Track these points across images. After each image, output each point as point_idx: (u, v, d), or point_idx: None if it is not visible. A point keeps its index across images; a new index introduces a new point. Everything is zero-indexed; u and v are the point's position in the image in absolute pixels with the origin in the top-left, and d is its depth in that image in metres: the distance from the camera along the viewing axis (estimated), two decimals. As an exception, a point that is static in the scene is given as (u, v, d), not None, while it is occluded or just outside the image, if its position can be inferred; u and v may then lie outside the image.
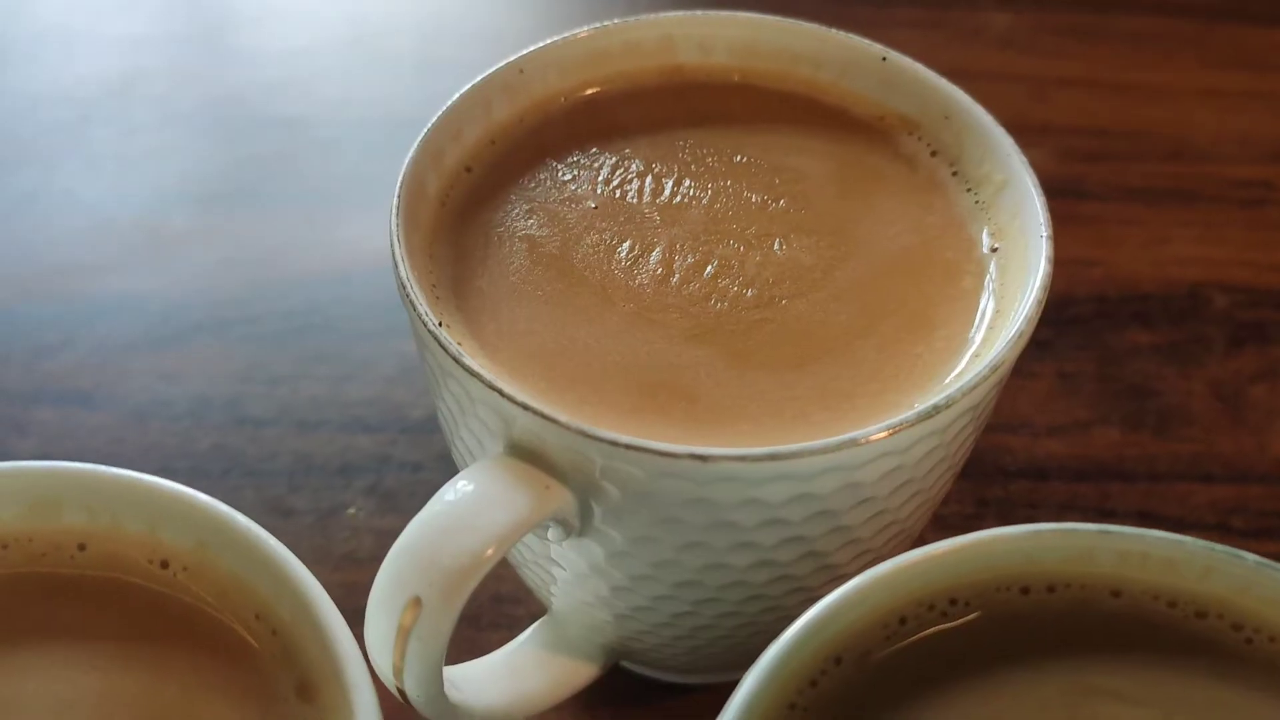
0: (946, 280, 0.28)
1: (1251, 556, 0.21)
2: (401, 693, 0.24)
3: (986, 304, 0.27)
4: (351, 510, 0.39)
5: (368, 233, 0.48)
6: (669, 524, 0.24)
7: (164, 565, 0.22)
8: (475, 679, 0.28)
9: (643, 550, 0.25)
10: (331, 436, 0.41)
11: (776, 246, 0.28)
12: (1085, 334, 0.45)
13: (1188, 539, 0.21)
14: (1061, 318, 0.45)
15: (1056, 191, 0.47)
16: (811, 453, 0.22)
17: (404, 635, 0.23)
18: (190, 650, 0.21)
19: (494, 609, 0.37)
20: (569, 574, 0.28)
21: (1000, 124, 0.30)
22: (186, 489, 0.22)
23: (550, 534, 0.25)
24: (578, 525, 0.25)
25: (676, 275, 0.27)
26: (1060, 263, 0.48)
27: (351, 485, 0.40)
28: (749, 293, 0.27)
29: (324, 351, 0.44)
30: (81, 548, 0.22)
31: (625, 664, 0.34)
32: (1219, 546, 0.21)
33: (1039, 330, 0.45)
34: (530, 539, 0.27)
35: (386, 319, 0.45)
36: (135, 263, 0.47)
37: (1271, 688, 0.21)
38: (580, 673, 0.31)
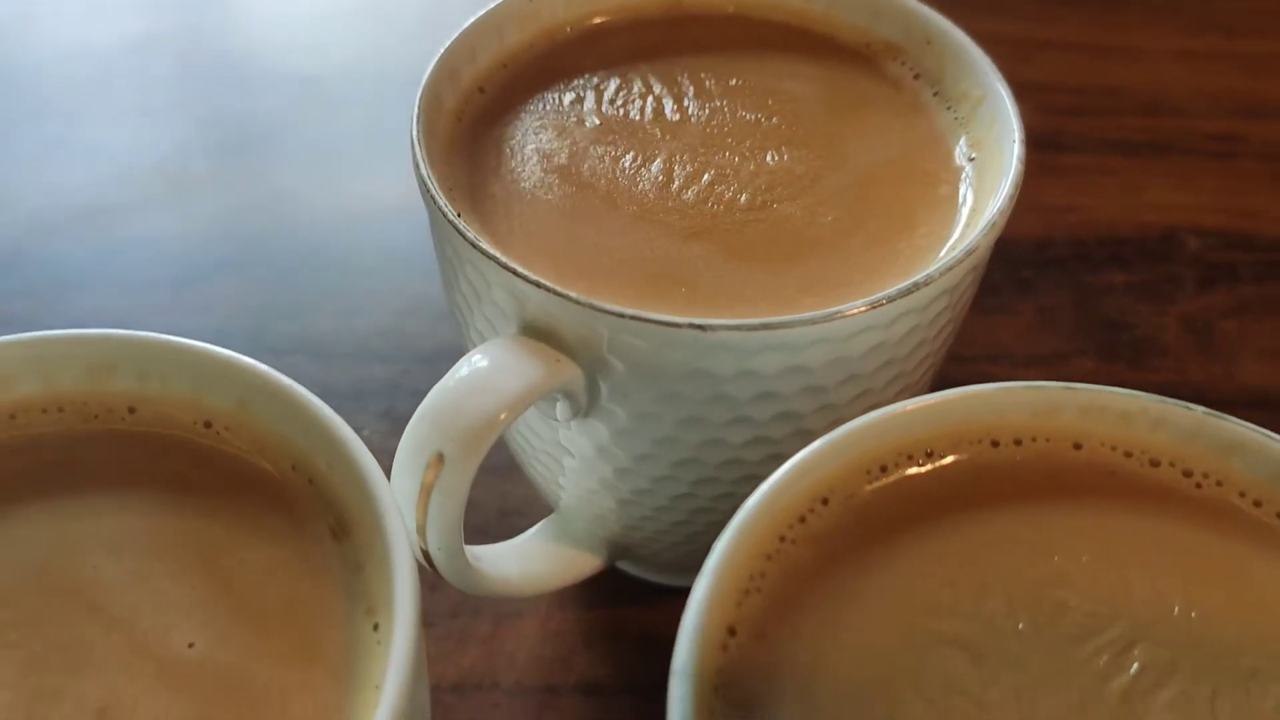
0: (926, 187, 0.30)
1: (1199, 408, 0.23)
2: (426, 555, 0.26)
3: (963, 206, 0.29)
4: (365, 433, 0.41)
5: (375, 180, 0.50)
6: (670, 399, 0.26)
7: (207, 425, 0.24)
8: (488, 556, 0.30)
9: (645, 427, 0.27)
10: (346, 365, 0.43)
11: (769, 158, 0.30)
12: (1063, 273, 0.47)
13: (1142, 394, 0.23)
14: (1041, 259, 0.47)
15: (1037, 144, 0.50)
16: (801, 323, 0.24)
17: (426, 493, 0.25)
18: (233, 498, 0.23)
19: (501, 522, 0.39)
20: (576, 461, 0.30)
21: None
22: (229, 351, 0.24)
23: (559, 413, 0.27)
24: (584, 403, 0.27)
25: (676, 182, 0.29)
26: (1040, 209, 0.51)
27: (366, 410, 0.42)
28: (743, 197, 0.29)
29: (335, 288, 0.46)
30: (131, 410, 0.24)
31: (623, 566, 0.36)
32: (1170, 400, 0.23)
33: (1020, 270, 0.47)
34: (540, 426, 0.29)
35: (393, 259, 0.47)
36: (156, 206, 0.49)
37: (1216, 526, 0.23)
38: (584, 563, 0.33)
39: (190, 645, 0.21)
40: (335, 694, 0.21)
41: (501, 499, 0.39)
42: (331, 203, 0.49)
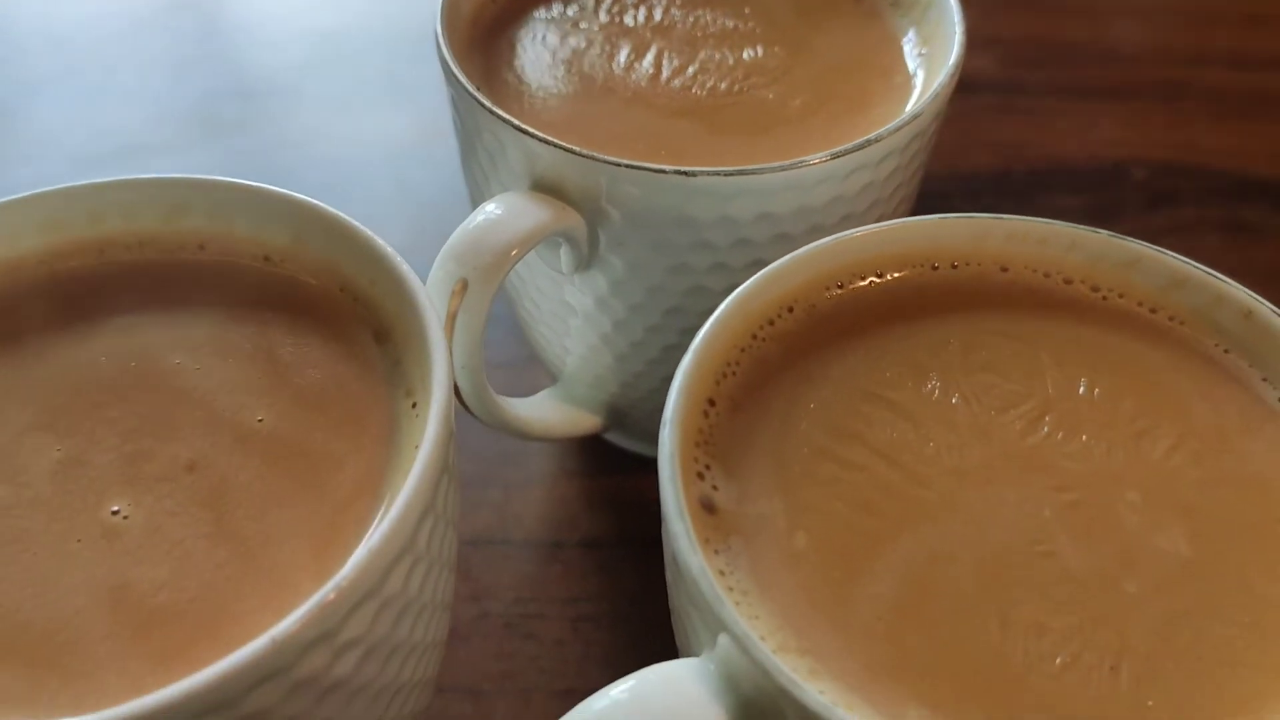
0: (882, 77, 0.34)
1: (1105, 232, 0.27)
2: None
3: (914, 90, 0.33)
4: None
5: (390, 122, 0.54)
6: (659, 246, 0.30)
7: (266, 259, 0.28)
8: (505, 403, 0.34)
9: (638, 276, 0.31)
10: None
11: (745, 54, 0.34)
12: (1020, 200, 0.51)
13: (1058, 221, 0.27)
14: (1000, 188, 0.52)
15: (1000, 90, 0.54)
16: (770, 170, 0.29)
17: (452, 318, 0.29)
18: (289, 314, 0.27)
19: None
20: (579, 318, 0.34)
21: None
22: (286, 191, 0.28)
23: (564, 264, 0.32)
24: (586, 252, 0.31)
25: (665, 73, 0.34)
26: (1001, 145, 0.55)
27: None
28: (722, 85, 0.33)
29: (354, 216, 0.50)
30: (201, 247, 0.28)
31: (618, 440, 0.40)
32: (1082, 226, 0.27)
33: (981, 198, 0.51)
34: (547, 286, 0.34)
35: (406, 189, 0.51)
36: (190, 145, 0.53)
37: (1119, 329, 0.27)
38: (585, 421, 0.37)
39: (260, 420, 0.25)
40: (382, 456, 0.25)
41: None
42: (350, 141, 0.53)
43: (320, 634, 0.21)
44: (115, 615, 0.22)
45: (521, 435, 0.35)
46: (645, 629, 0.33)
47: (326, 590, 0.20)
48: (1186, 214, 0.50)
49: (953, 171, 0.51)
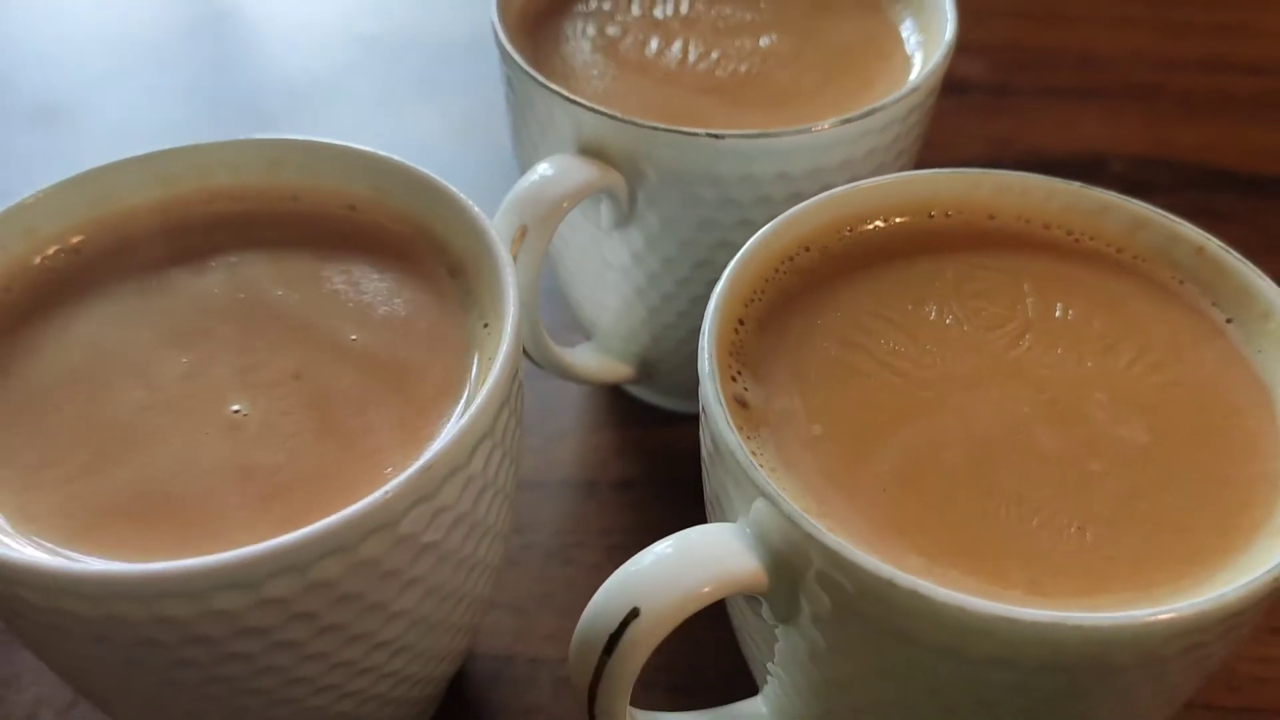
0: (884, 60, 0.38)
1: (1076, 184, 0.31)
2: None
3: (911, 70, 0.38)
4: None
5: (424, 120, 0.59)
6: (690, 202, 0.34)
7: (351, 208, 0.32)
8: (555, 347, 0.38)
9: (671, 231, 0.35)
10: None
11: (761, 41, 0.39)
12: (1008, 188, 0.55)
13: (1039, 175, 0.32)
14: (990, 178, 0.56)
15: (989, 90, 0.59)
16: (788, 133, 0.33)
17: (513, 259, 0.33)
18: (373, 255, 0.31)
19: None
20: (616, 272, 0.38)
21: None
22: (369, 148, 0.32)
23: (604, 220, 0.36)
24: (626, 208, 0.35)
25: (692, 58, 0.38)
26: (990, 140, 0.59)
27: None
28: (743, 68, 0.38)
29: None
30: (295, 198, 0.32)
31: (646, 395, 0.44)
32: (1058, 179, 0.32)
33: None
34: (588, 245, 0.38)
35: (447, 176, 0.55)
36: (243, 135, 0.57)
37: (1090, 266, 0.31)
38: (620, 370, 0.41)
39: (353, 339, 0.29)
40: (459, 366, 0.29)
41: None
42: (389, 135, 0.58)
43: (420, 496, 0.25)
44: (242, 490, 0.26)
45: (564, 373, 0.39)
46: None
47: (426, 459, 0.25)
48: (1159, 201, 0.54)
49: (948, 162, 0.55)
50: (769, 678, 0.31)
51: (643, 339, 0.40)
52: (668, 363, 0.41)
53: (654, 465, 0.43)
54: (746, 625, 0.29)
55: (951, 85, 0.59)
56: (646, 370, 0.41)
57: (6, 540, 0.24)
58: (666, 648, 0.37)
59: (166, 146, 0.32)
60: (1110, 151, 0.57)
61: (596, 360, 0.41)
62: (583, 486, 0.43)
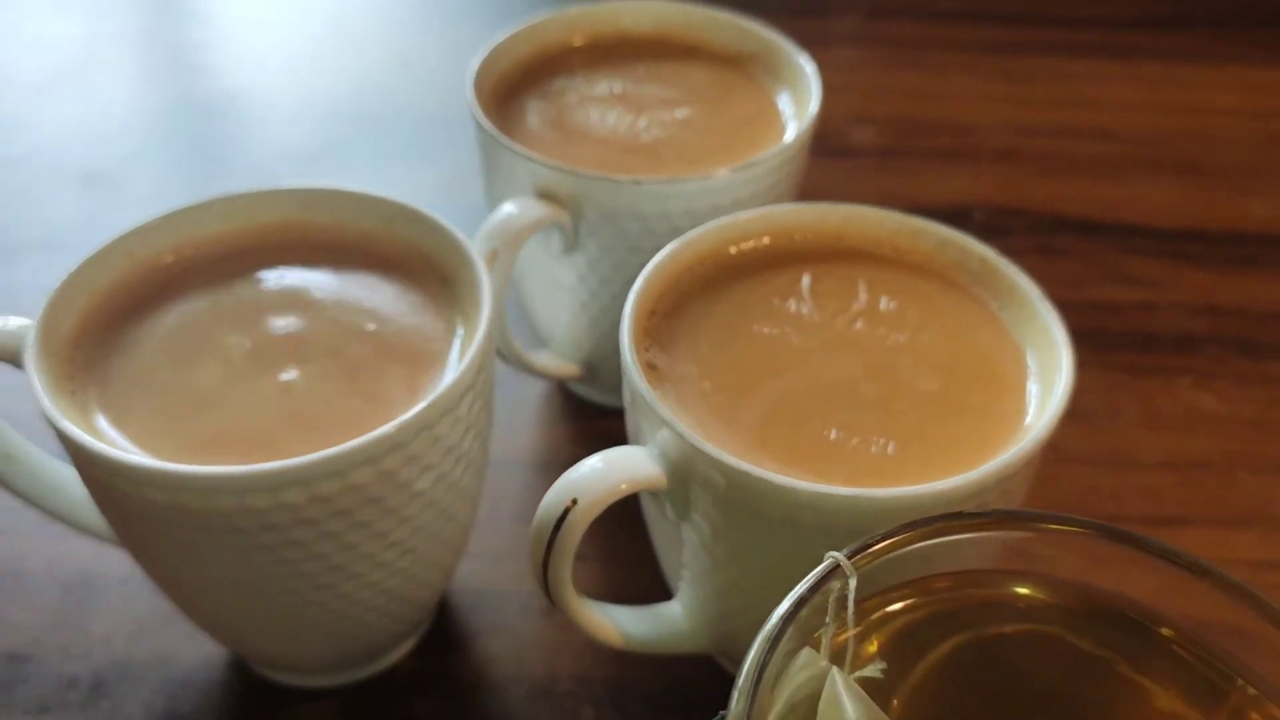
0: (767, 126, 0.49)
1: (900, 213, 0.42)
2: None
3: (788, 135, 0.48)
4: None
5: (414, 178, 0.69)
6: (620, 233, 0.45)
7: (366, 237, 0.42)
8: (521, 350, 0.48)
9: (605, 256, 0.46)
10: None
11: (676, 113, 0.50)
12: (890, 232, 0.66)
13: (879, 209, 0.42)
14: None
15: (877, 154, 0.71)
16: (691, 180, 0.43)
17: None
18: (381, 271, 0.41)
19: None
20: (565, 291, 0.48)
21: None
22: (380, 193, 0.42)
23: (557, 247, 0.46)
24: (571, 239, 0.46)
25: (623, 125, 0.49)
26: (877, 194, 0.70)
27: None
28: (661, 133, 0.48)
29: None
30: (324, 230, 0.42)
31: (590, 394, 0.55)
32: (886, 210, 0.42)
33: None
34: (543, 268, 0.48)
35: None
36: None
37: (907, 272, 0.41)
38: (568, 368, 0.51)
39: (371, 328, 0.39)
40: (449, 347, 0.39)
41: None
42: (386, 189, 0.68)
43: (424, 426, 0.34)
44: (291, 429, 0.36)
45: (526, 368, 0.49)
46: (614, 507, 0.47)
47: (429, 400, 0.34)
48: (1014, 242, 0.66)
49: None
50: (679, 583, 0.40)
51: (586, 345, 0.50)
52: (607, 364, 0.51)
53: (596, 448, 0.53)
54: (659, 532, 0.39)
55: (847, 149, 0.71)
56: (591, 370, 0.52)
57: (138, 456, 0.34)
58: (601, 572, 0.46)
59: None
60: (975, 203, 0.68)
61: (551, 360, 0.51)
62: (540, 465, 0.53)
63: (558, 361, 0.51)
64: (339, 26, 0.85)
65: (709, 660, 0.43)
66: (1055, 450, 0.53)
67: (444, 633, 0.45)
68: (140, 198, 0.67)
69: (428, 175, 0.69)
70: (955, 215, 0.67)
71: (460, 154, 0.68)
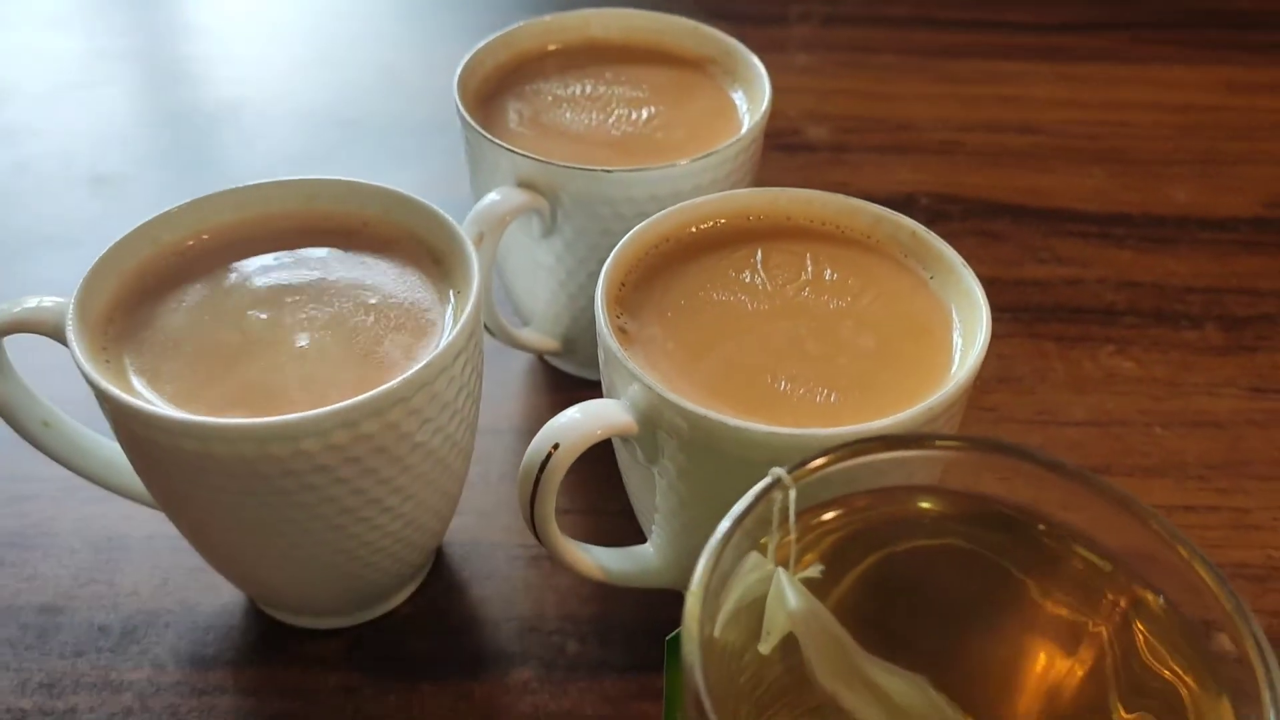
0: (727, 120, 0.53)
1: (840, 195, 0.46)
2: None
3: (743, 126, 0.53)
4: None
5: (399, 180, 0.73)
6: (592, 216, 0.49)
7: (364, 224, 0.46)
8: (510, 326, 0.52)
9: (581, 238, 0.50)
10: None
11: (643, 111, 0.54)
12: (841, 220, 0.71)
13: (816, 190, 0.47)
14: (828, 213, 0.71)
15: (831, 149, 0.75)
16: (656, 168, 0.47)
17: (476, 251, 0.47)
18: (381, 253, 0.45)
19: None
20: (545, 270, 0.52)
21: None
22: (379, 183, 0.46)
23: (536, 230, 0.50)
24: (549, 223, 0.50)
25: (595, 122, 0.53)
26: (830, 185, 0.74)
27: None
28: (629, 129, 0.53)
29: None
30: (327, 217, 0.46)
31: (565, 365, 0.59)
32: (829, 193, 0.46)
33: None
34: (525, 250, 0.52)
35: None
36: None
37: (847, 246, 0.46)
38: (548, 342, 0.55)
39: (373, 301, 0.43)
40: (443, 316, 0.43)
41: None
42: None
43: (423, 383, 0.38)
44: (305, 388, 0.39)
45: (510, 341, 0.53)
46: (595, 467, 0.51)
47: (430, 358, 0.38)
48: (953, 226, 0.70)
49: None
50: (652, 525, 0.44)
51: (564, 320, 0.54)
52: (583, 338, 0.55)
53: (577, 416, 0.57)
54: (632, 478, 0.43)
55: (803, 145, 0.75)
56: (569, 344, 0.56)
57: (174, 411, 0.38)
58: (583, 523, 0.50)
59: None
60: (918, 191, 0.73)
61: (533, 335, 0.55)
62: (523, 431, 0.56)
63: (539, 336, 0.55)
64: (327, 40, 0.89)
65: (679, 596, 0.47)
66: (992, 412, 0.57)
67: (440, 579, 0.49)
68: (145, 198, 0.71)
69: (412, 175, 0.73)
70: (901, 201, 0.71)
71: (441, 156, 0.72)
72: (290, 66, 0.86)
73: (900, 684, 0.29)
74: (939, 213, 0.71)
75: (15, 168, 0.74)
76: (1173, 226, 0.70)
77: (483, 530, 0.51)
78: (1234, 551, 0.50)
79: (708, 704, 0.26)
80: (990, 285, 0.64)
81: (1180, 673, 0.28)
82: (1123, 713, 0.29)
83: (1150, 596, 0.29)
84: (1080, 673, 0.30)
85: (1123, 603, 0.29)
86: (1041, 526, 0.30)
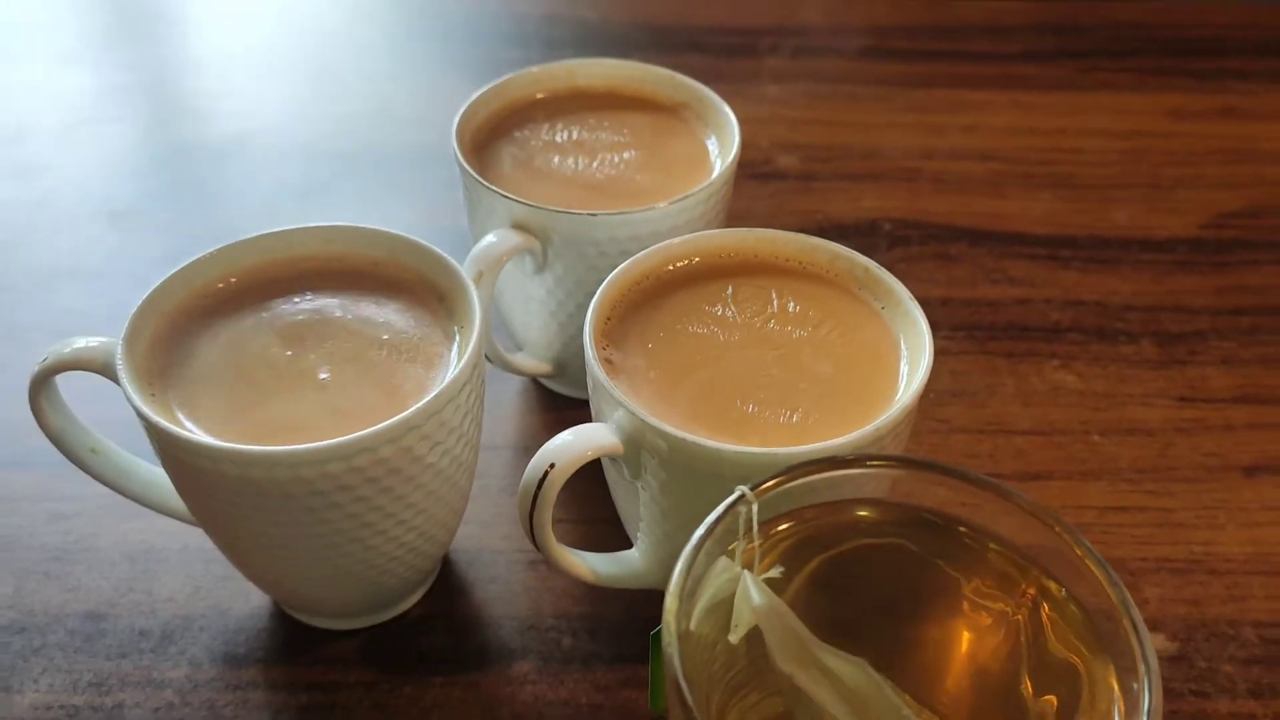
0: (697, 166, 0.59)
1: (801, 234, 0.52)
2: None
3: (715, 169, 0.58)
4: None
5: (395, 214, 0.78)
6: (579, 255, 0.54)
7: (375, 264, 0.52)
8: (506, 355, 0.58)
9: (569, 274, 0.55)
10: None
11: (625, 155, 0.59)
12: (810, 245, 0.76)
13: (780, 230, 0.52)
14: (798, 238, 0.77)
15: (800, 178, 0.81)
16: (637, 211, 0.53)
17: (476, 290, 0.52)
18: (389, 292, 0.50)
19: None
20: (537, 302, 0.58)
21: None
22: (386, 229, 0.51)
23: (529, 267, 0.56)
24: (541, 260, 0.55)
25: (580, 167, 0.58)
26: (799, 212, 0.81)
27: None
28: (612, 172, 0.58)
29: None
30: (341, 259, 0.52)
31: (557, 387, 0.64)
32: (792, 233, 0.52)
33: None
34: (519, 286, 0.58)
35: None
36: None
37: (808, 280, 0.51)
38: (542, 367, 0.61)
39: (385, 337, 0.48)
40: (448, 351, 0.48)
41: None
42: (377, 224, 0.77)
43: (433, 412, 0.43)
44: (329, 417, 0.45)
45: (507, 367, 0.58)
46: (585, 482, 0.56)
47: (437, 391, 0.44)
48: (913, 250, 0.76)
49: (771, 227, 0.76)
50: (637, 534, 0.50)
51: (555, 347, 0.60)
52: (573, 363, 0.61)
53: (568, 433, 0.63)
54: (619, 492, 0.49)
55: (774, 173, 0.81)
56: (560, 368, 0.61)
57: (212, 439, 0.43)
58: (575, 531, 0.55)
59: (206, 247, 0.50)
60: (883, 217, 0.79)
61: (527, 360, 0.60)
62: (520, 448, 0.62)
63: (533, 361, 0.60)
64: (325, 78, 0.94)
65: (661, 596, 0.53)
66: (946, 423, 0.63)
67: (447, 583, 0.55)
68: (159, 231, 0.76)
69: (407, 206, 0.78)
70: (866, 228, 0.77)
71: (434, 187, 0.77)
72: (289, 101, 0.91)
73: (847, 667, 0.34)
74: (900, 238, 0.77)
75: (35, 204, 0.79)
76: (1116, 248, 0.76)
77: (485, 538, 0.57)
78: (1159, 548, 0.56)
79: (684, 687, 0.31)
80: (945, 305, 0.71)
81: (1078, 650, 0.34)
82: (1030, 690, 0.34)
83: (1054, 587, 0.35)
84: (998, 652, 0.36)
85: (1032, 592, 0.35)
86: (963, 529, 0.36)
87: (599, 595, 0.54)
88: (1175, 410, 0.63)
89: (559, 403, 0.64)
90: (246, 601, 0.53)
